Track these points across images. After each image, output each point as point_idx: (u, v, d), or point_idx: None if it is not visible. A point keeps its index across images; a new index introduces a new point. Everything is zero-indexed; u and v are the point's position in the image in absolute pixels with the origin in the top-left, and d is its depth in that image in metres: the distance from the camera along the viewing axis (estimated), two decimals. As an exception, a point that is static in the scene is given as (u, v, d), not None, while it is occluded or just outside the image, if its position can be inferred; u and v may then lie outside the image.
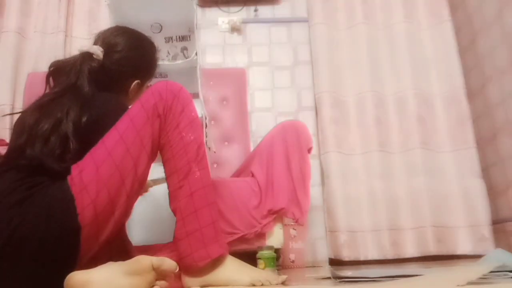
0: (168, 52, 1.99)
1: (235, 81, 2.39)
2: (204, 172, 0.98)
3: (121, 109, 1.00)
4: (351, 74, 2.37)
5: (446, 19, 2.42)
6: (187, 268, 0.95)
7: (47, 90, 1.08)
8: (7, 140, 1.66)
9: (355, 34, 2.42)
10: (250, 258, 1.17)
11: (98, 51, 1.12)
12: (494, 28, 2.09)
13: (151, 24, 1.91)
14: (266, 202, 1.50)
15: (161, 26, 1.94)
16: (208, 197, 0.97)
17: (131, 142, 0.92)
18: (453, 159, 2.24)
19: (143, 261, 0.80)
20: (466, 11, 2.35)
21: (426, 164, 2.22)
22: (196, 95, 1.70)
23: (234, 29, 2.52)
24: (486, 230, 2.09)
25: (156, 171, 1.05)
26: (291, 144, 1.54)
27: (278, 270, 1.53)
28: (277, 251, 1.43)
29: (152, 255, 0.84)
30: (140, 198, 1.00)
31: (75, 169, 0.89)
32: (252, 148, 2.20)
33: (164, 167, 1.00)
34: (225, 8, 2.57)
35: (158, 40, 1.75)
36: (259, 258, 1.31)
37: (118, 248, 1.02)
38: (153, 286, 0.80)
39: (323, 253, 2.20)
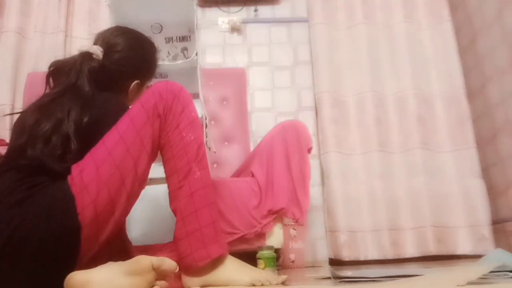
0: (168, 53, 2.00)
1: (235, 81, 2.39)
2: (204, 172, 0.98)
3: (122, 109, 1.00)
4: (351, 74, 2.37)
5: (446, 19, 2.43)
6: (187, 268, 0.95)
7: (47, 90, 1.08)
8: (7, 140, 1.66)
9: (355, 34, 2.42)
10: (250, 258, 1.17)
11: (98, 51, 1.12)
12: (494, 28, 2.09)
13: (151, 25, 1.91)
14: (266, 202, 1.50)
15: (161, 27, 1.94)
16: (208, 197, 0.97)
17: (131, 142, 0.92)
18: (453, 159, 2.24)
19: (143, 261, 0.80)
20: (466, 11, 2.35)
21: (426, 164, 2.22)
22: (196, 95, 1.70)
23: (234, 29, 2.52)
24: (486, 230, 2.09)
25: (156, 171, 1.05)
26: (291, 144, 1.54)
27: (278, 270, 1.53)
28: (277, 251, 1.44)
29: (152, 255, 0.84)
30: (140, 198, 1.00)
31: (75, 169, 0.89)
32: (252, 148, 2.20)
33: (164, 167, 1.00)
34: (225, 8, 2.57)
35: (158, 41, 1.76)
36: (259, 258, 1.31)
37: (118, 248, 1.02)
38: (153, 286, 0.80)
39: (323, 253, 2.20)
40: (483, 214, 2.12)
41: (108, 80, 1.12)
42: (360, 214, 2.14)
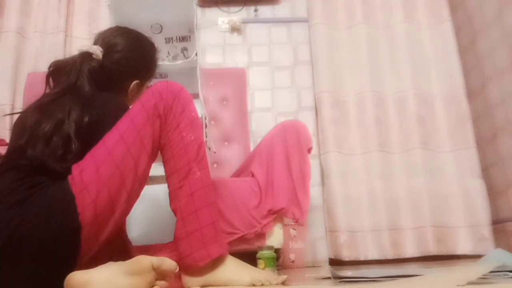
0: (168, 53, 2.00)
1: (235, 81, 2.39)
2: (204, 172, 0.98)
3: (122, 109, 1.00)
4: (351, 74, 2.37)
5: (446, 19, 2.43)
6: (187, 268, 0.95)
7: (47, 90, 1.08)
8: (7, 140, 1.66)
9: (355, 34, 2.42)
10: (250, 258, 1.17)
11: (97, 51, 1.12)
12: (494, 28, 2.09)
13: (151, 25, 1.91)
14: (266, 202, 1.50)
15: (161, 27, 1.94)
16: (208, 197, 0.97)
17: (131, 142, 0.92)
18: (453, 159, 2.24)
19: (143, 261, 0.80)
20: (466, 11, 2.35)
21: (426, 164, 2.22)
22: (196, 95, 1.70)
23: (234, 29, 2.52)
24: (486, 230, 2.09)
25: (157, 171, 1.05)
26: (291, 144, 1.54)
27: (278, 270, 1.53)
28: (277, 251, 1.43)
29: (152, 255, 0.84)
30: (140, 198, 1.00)
31: (75, 168, 0.89)
32: (252, 148, 2.20)
33: (165, 167, 1.00)
34: (225, 8, 2.57)
35: (158, 41, 1.76)
36: (259, 258, 1.31)
37: (118, 248, 1.02)
38: (153, 286, 0.80)
39: (323, 253, 2.20)
40: (483, 214, 2.12)
41: (108, 80, 1.12)
42: (360, 214, 2.14)
